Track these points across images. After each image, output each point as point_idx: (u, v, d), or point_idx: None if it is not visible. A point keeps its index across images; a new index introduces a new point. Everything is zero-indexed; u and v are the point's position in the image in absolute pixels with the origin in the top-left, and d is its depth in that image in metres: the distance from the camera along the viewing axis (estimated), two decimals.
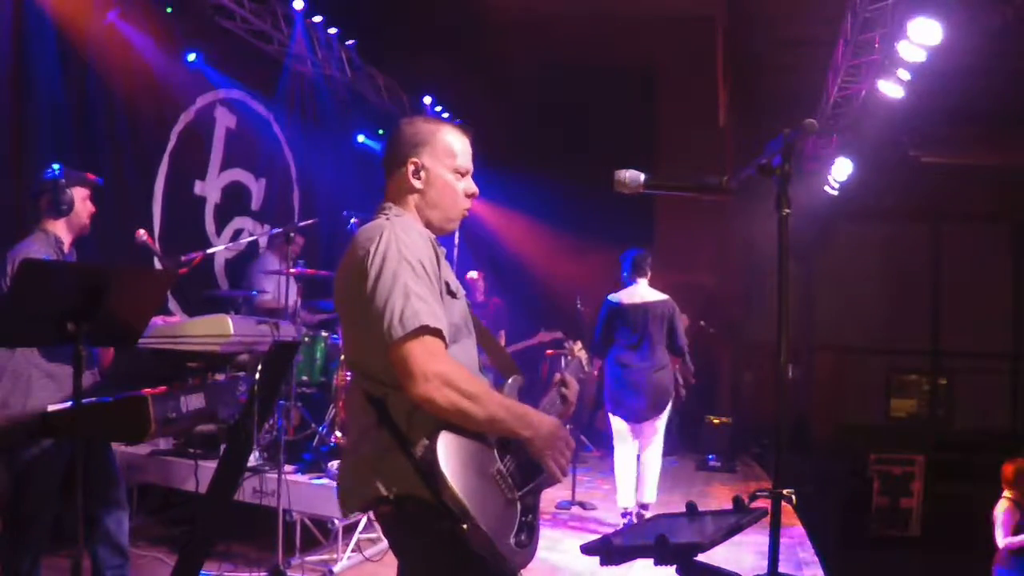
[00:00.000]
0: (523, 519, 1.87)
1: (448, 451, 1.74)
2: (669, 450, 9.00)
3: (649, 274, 5.61)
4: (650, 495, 5.55)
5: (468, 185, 2.04)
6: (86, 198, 3.35)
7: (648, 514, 5.42)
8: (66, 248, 3.31)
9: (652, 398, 5.43)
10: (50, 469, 3.09)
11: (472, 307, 6.77)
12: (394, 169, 2.03)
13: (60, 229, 3.28)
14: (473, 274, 8.21)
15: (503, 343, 8.10)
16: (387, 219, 1.94)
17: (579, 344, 2.52)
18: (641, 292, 5.58)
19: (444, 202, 2.01)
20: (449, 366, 1.77)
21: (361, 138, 8.75)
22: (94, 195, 3.40)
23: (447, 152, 2.00)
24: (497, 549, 1.76)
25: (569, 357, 2.46)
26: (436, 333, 1.77)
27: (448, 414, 1.75)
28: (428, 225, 2.01)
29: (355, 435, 1.91)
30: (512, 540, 1.82)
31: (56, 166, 3.33)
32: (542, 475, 1.93)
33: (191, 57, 6.00)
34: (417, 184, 2.00)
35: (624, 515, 5.59)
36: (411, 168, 2.00)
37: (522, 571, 1.90)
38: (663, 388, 5.47)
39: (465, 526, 1.70)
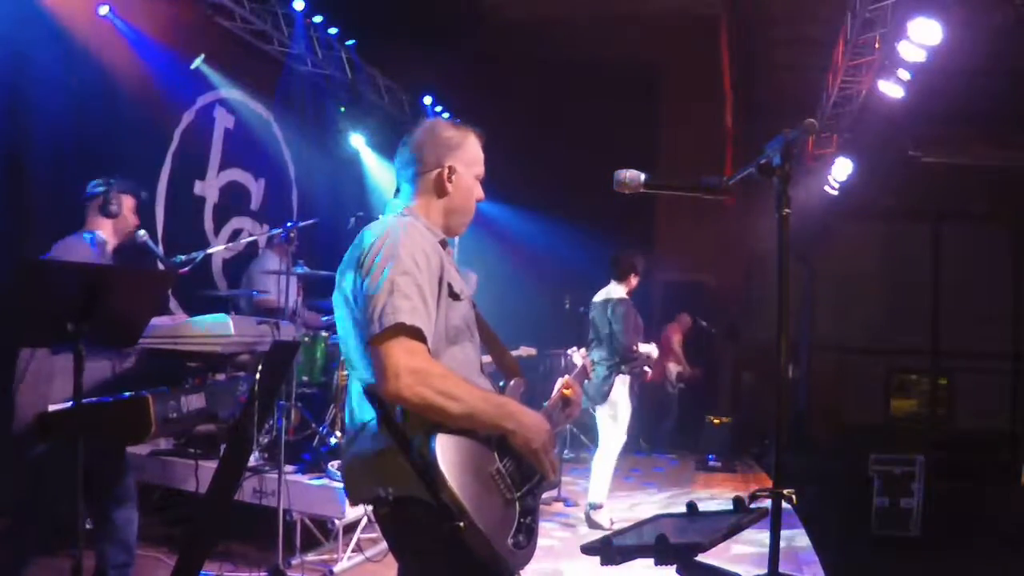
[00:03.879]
0: (522, 520, 1.86)
1: (446, 449, 1.74)
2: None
3: (620, 274, 5.84)
4: (591, 494, 5.69)
5: (479, 190, 2.10)
6: (133, 208, 3.51)
7: (596, 514, 5.62)
8: (109, 250, 3.43)
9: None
10: (65, 466, 3.09)
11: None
12: (422, 170, 2.04)
13: (107, 231, 3.41)
14: (466, 272, 8.26)
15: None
16: (393, 217, 1.96)
17: (582, 351, 2.54)
18: (604, 292, 5.88)
19: (463, 207, 2.06)
20: (424, 363, 1.75)
21: (359, 138, 8.74)
22: (139, 208, 3.57)
23: (474, 159, 2.07)
24: (495, 549, 1.75)
25: (572, 360, 2.47)
26: (414, 331, 1.76)
27: (421, 410, 1.74)
28: (445, 228, 2.04)
29: (353, 433, 1.91)
30: (510, 541, 1.82)
31: (111, 180, 3.49)
32: (540, 476, 1.92)
33: (200, 62, 6.02)
34: (448, 188, 2.03)
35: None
36: (446, 172, 2.02)
37: (521, 572, 1.89)
38: (592, 383, 5.69)
39: (462, 524, 1.70)
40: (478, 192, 2.09)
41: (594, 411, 5.81)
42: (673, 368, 9.51)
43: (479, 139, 2.10)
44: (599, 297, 5.89)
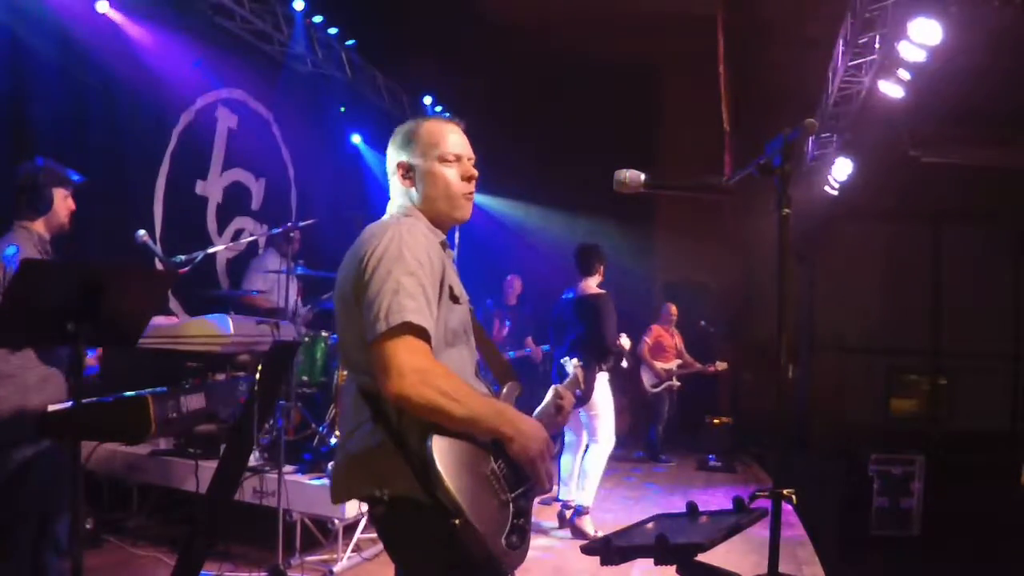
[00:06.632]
0: (515, 521, 1.86)
1: (442, 449, 1.74)
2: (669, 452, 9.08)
3: (589, 267, 5.58)
4: (576, 495, 5.47)
5: (464, 169, 2.03)
6: (67, 196, 3.29)
7: (581, 521, 5.37)
8: (48, 246, 3.27)
9: None
10: (47, 471, 3.08)
11: (506, 309, 6.56)
12: (390, 176, 2.08)
13: (40, 227, 3.23)
14: (512, 277, 8.32)
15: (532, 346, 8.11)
16: (394, 218, 1.97)
17: (575, 360, 2.53)
18: (576, 289, 5.61)
19: (439, 193, 2.01)
20: (429, 364, 1.75)
21: (359, 138, 8.75)
22: (75, 193, 3.34)
23: (429, 143, 2.02)
24: (490, 548, 1.76)
25: (565, 369, 2.47)
26: (420, 331, 1.76)
27: (424, 411, 1.73)
28: (437, 220, 2.03)
29: (348, 431, 1.91)
30: (504, 541, 1.82)
31: (38, 161, 3.26)
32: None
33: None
34: (407, 184, 2.04)
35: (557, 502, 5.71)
36: (399, 171, 2.04)
37: (519, 571, 1.90)
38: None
39: (458, 522, 1.70)
40: (460, 171, 2.01)
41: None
42: (649, 371, 9.12)
43: (443, 121, 2.05)
44: (571, 295, 5.62)
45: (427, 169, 2.01)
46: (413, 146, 2.03)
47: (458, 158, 2.03)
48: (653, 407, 9.08)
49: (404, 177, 2.03)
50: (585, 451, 5.65)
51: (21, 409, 2.99)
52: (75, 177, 3.34)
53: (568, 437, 5.77)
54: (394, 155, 2.06)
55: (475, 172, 2.05)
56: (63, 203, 3.27)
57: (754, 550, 4.60)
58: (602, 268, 5.61)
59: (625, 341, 5.64)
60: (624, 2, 9.69)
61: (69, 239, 3.43)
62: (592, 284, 5.57)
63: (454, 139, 2.03)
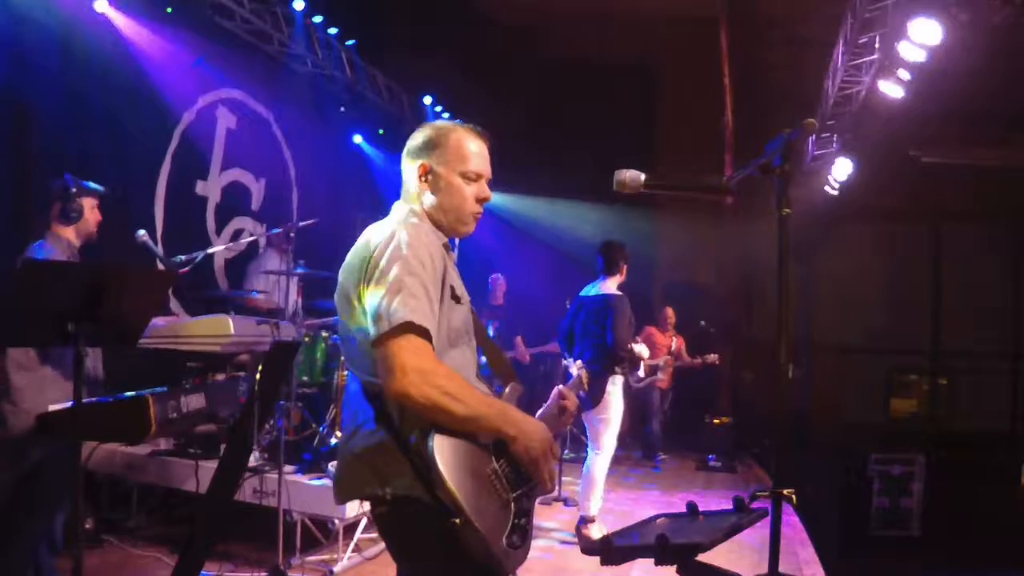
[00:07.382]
0: (516, 521, 1.86)
1: (444, 448, 1.74)
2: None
3: (612, 267, 5.48)
4: (582, 503, 5.35)
5: (480, 190, 2.03)
6: (94, 207, 3.55)
7: (589, 528, 5.23)
8: (76, 252, 3.49)
9: None
10: (53, 472, 3.09)
11: (492, 309, 6.42)
12: (407, 171, 2.06)
13: (70, 234, 3.46)
14: (496, 276, 8.26)
15: (523, 346, 8.08)
16: (398, 218, 1.96)
17: (578, 362, 2.53)
18: (596, 288, 5.51)
19: (452, 205, 2.01)
20: (430, 363, 1.76)
21: (359, 138, 8.74)
22: (101, 204, 3.60)
23: (457, 156, 2.01)
24: (490, 548, 1.76)
25: (569, 370, 2.47)
26: (421, 331, 1.77)
27: (425, 410, 1.74)
28: (439, 227, 2.02)
29: (350, 431, 1.91)
30: (504, 541, 1.82)
31: (67, 176, 3.51)
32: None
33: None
34: (424, 186, 2.02)
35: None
36: (420, 171, 2.02)
37: (520, 571, 1.90)
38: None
39: (459, 521, 1.70)
40: (477, 190, 2.02)
41: (584, 415, 5.39)
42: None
43: (477, 136, 2.04)
44: (591, 292, 5.50)
45: (448, 180, 2.00)
46: (439, 152, 2.01)
47: (478, 177, 2.03)
48: (643, 403, 9.06)
49: (422, 179, 2.02)
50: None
51: (40, 400, 3.05)
52: (101, 188, 3.61)
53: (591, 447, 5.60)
54: (417, 154, 2.03)
55: (490, 195, 2.05)
56: (92, 212, 3.54)
57: (754, 550, 4.61)
58: (625, 268, 5.51)
59: (643, 349, 5.54)
60: (624, 2, 9.70)
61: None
62: (611, 285, 5.46)
63: (480, 157, 2.03)
